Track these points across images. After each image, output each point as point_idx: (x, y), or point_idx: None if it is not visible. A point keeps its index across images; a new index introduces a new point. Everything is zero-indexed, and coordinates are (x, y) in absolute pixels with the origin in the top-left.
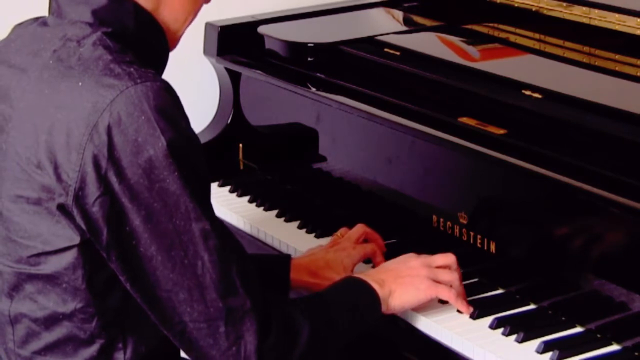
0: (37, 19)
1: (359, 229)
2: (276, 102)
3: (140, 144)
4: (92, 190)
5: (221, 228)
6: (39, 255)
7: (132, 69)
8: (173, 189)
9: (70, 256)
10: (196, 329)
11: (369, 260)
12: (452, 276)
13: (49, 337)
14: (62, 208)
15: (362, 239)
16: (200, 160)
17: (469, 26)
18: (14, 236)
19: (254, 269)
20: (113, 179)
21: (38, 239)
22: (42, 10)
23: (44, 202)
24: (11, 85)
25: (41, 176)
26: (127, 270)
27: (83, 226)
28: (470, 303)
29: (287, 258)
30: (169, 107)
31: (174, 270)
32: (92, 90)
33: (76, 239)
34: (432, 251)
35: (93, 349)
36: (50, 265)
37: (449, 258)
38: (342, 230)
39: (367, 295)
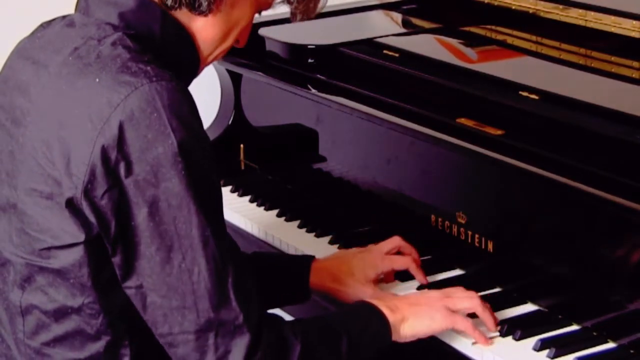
0: (64, 17)
1: (393, 241)
2: (277, 103)
3: (150, 141)
4: (101, 184)
5: (223, 236)
6: (49, 249)
7: (149, 68)
8: (178, 190)
9: (76, 253)
10: (184, 341)
11: (408, 277)
12: (472, 303)
13: (58, 329)
14: (70, 202)
15: (394, 252)
16: (210, 165)
17: (466, 28)
18: (28, 229)
19: (254, 284)
20: (121, 172)
21: (48, 233)
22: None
23: (55, 197)
24: (32, 80)
25: (53, 171)
26: (125, 266)
27: (93, 220)
28: None
29: (309, 259)
30: (182, 107)
31: (171, 274)
32: (108, 87)
33: (81, 237)
34: (431, 250)
35: (99, 345)
36: (59, 260)
37: (469, 293)
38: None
39: (377, 320)
